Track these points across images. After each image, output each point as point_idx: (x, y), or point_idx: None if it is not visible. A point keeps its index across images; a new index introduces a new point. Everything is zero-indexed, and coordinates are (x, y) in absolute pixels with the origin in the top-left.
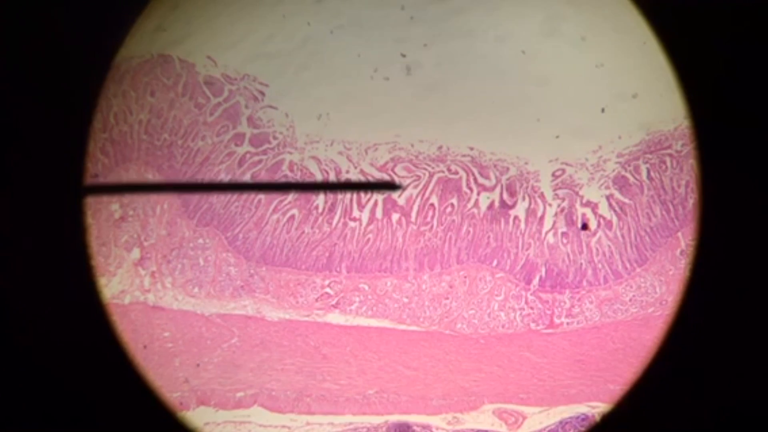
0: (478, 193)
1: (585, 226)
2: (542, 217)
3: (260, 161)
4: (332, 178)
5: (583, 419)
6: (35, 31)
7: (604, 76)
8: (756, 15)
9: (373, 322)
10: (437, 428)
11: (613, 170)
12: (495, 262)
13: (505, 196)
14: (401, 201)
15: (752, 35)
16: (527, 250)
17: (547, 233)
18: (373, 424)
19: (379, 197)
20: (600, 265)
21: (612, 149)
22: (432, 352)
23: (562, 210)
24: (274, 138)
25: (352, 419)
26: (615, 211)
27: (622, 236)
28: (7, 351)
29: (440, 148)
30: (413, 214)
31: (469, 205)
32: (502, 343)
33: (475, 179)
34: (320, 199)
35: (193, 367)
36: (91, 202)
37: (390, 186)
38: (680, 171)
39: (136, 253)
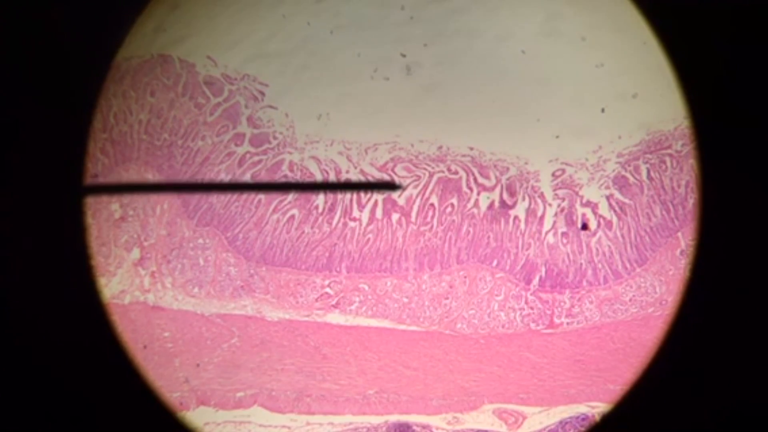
0: (478, 193)
1: (585, 226)
2: (542, 217)
3: (260, 161)
4: (332, 178)
5: (583, 419)
6: (35, 31)
7: (604, 76)
8: (756, 15)
9: (373, 322)
10: (437, 428)
11: (613, 170)
12: (495, 262)
13: (505, 196)
14: (401, 201)
15: (752, 35)
16: (527, 250)
17: (547, 233)
18: (373, 424)
19: (379, 197)
20: (600, 265)
21: (612, 149)
22: (432, 352)
23: (562, 210)
24: (274, 138)
25: (352, 419)
26: (615, 211)
27: (622, 236)
28: (7, 351)
29: (440, 148)
30: (413, 214)
31: (469, 205)
32: (502, 343)
33: (475, 179)
34: (320, 199)
35: (193, 367)
36: (91, 202)
37: (390, 186)
38: (680, 171)
39: (136, 253)
